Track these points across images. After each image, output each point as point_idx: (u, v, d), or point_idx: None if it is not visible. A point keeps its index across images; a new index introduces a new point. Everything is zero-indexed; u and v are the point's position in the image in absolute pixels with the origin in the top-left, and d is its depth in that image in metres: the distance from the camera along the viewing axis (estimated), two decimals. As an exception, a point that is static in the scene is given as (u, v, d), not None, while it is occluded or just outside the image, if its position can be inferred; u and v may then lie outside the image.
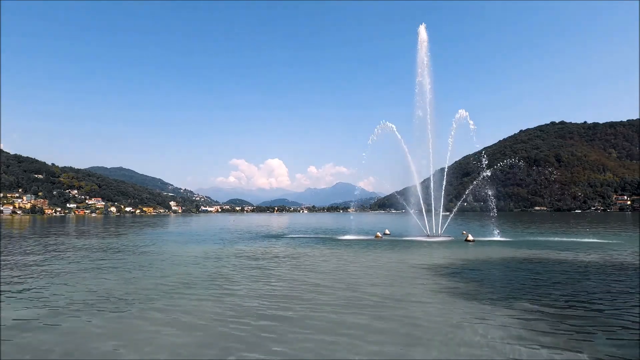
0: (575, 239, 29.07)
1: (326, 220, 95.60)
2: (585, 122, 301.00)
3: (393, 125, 33.34)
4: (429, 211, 33.26)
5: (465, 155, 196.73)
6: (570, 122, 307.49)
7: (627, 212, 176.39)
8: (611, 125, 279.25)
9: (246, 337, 7.35)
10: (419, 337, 7.33)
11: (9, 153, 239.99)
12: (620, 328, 7.74)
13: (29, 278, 13.73)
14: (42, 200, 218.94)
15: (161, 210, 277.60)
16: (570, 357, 6.30)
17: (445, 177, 32.93)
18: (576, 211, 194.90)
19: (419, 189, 33.51)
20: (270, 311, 9.21)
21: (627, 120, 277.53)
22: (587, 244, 24.94)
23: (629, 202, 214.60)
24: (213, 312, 9.18)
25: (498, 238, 29.42)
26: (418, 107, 33.29)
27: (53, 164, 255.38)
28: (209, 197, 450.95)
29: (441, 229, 32.53)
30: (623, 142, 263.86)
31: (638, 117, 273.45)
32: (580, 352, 6.48)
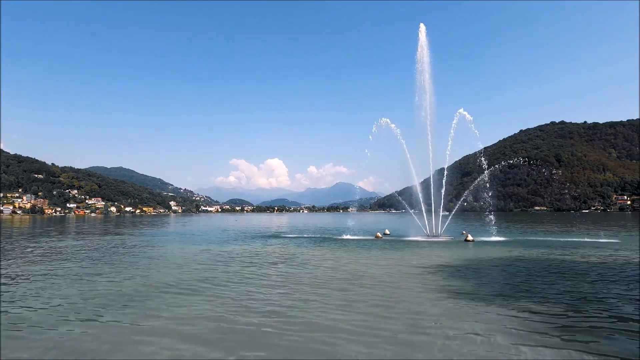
0: (574, 239, 29.05)
1: (326, 220, 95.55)
2: (585, 122, 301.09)
3: (388, 120, 33.43)
4: (428, 211, 33.24)
5: (465, 155, 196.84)
6: (570, 122, 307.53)
7: (627, 212, 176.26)
8: (611, 125, 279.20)
9: (245, 336, 7.35)
10: (418, 336, 7.32)
11: (9, 153, 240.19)
12: (620, 328, 7.73)
13: (28, 278, 13.72)
14: (42, 200, 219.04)
15: (161, 210, 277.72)
16: (571, 357, 6.30)
17: (445, 177, 32.90)
18: (584, 211, 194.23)
19: (419, 189, 33.50)
20: (269, 309, 9.21)
21: (627, 120, 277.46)
22: (587, 244, 24.93)
23: (629, 202, 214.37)
24: (213, 312, 9.16)
25: (498, 238, 29.40)
26: (418, 98, 33.36)
27: (53, 164, 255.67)
28: (209, 197, 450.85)
29: (441, 229, 32.51)
30: (623, 142, 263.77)
31: (638, 117, 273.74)
32: (581, 352, 6.47)
